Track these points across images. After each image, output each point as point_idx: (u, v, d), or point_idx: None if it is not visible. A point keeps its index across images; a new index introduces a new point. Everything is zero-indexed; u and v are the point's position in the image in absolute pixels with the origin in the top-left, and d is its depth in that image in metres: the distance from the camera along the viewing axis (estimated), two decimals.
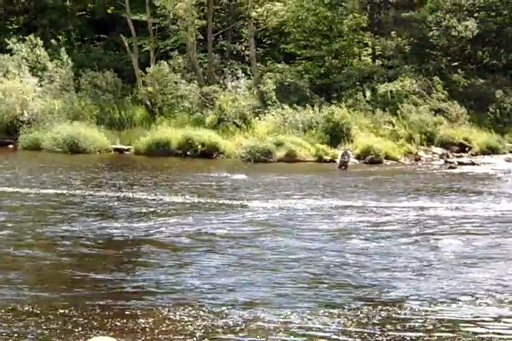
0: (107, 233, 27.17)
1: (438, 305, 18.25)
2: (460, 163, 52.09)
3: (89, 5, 72.45)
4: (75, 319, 16.80)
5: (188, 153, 52.39)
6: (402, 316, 17.55)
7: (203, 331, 16.05)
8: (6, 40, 60.84)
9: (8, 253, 23.61)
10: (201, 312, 17.25)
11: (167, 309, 17.60)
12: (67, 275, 22.06)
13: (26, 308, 17.68)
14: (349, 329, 16.44)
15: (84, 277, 21.67)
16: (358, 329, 16.35)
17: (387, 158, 52.77)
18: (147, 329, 16.03)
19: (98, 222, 28.66)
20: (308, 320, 17.45)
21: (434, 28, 64.27)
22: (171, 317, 16.74)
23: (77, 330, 16.09)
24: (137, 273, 22.07)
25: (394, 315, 17.66)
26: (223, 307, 17.31)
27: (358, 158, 51.85)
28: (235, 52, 65.82)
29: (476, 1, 65.40)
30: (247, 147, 52.07)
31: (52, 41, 62.98)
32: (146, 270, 22.44)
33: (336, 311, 17.65)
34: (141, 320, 16.71)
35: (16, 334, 15.25)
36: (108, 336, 14.28)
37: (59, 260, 23.52)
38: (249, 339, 15.49)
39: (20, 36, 62.46)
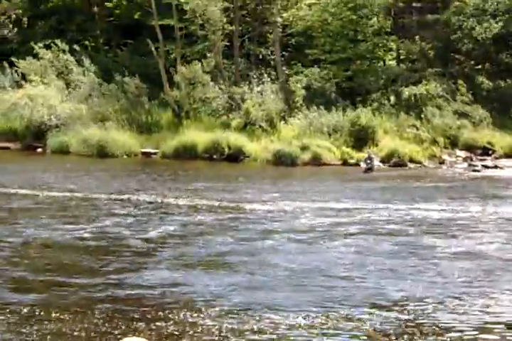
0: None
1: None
2: (484, 166, 51.00)
3: (116, 10, 69.77)
4: (108, 320, 17.21)
5: (215, 156, 51.41)
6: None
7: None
8: (33, 44, 59.65)
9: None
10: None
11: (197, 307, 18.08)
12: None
13: (73, 309, 18.14)
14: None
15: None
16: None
17: (411, 161, 51.89)
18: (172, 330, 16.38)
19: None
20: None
21: (458, 31, 63.22)
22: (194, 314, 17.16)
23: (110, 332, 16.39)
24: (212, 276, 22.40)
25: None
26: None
27: (382, 161, 51.23)
28: (260, 57, 64.24)
29: (498, 5, 64.26)
30: (273, 151, 51.01)
31: (77, 47, 62.14)
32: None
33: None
34: (164, 321, 17.06)
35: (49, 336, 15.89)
36: (136, 336, 14.37)
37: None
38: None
39: (48, 41, 61.10)
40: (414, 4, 66.49)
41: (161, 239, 26.81)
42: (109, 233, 26.76)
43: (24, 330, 16.67)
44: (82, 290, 19.68)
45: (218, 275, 21.65)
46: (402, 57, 66.54)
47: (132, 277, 21.04)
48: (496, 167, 50.63)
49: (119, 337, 15.14)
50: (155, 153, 52.79)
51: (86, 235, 27.07)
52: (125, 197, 35.37)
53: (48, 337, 16.89)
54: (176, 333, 16.43)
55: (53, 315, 17.72)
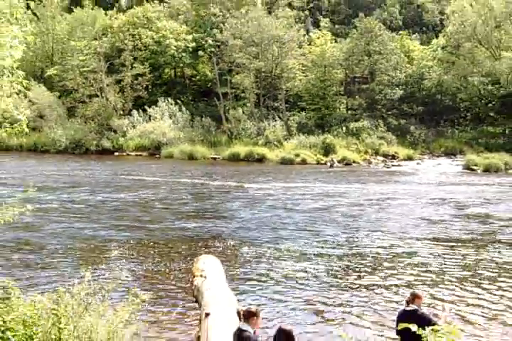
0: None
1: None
2: (392, 165, 57.61)
3: (199, 82, 75.50)
4: (186, 246, 21.87)
5: (250, 159, 57.54)
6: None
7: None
8: (158, 99, 66.67)
9: None
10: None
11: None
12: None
13: (152, 242, 22.71)
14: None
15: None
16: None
17: (354, 162, 58.86)
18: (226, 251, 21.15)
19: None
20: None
21: (379, 94, 69.85)
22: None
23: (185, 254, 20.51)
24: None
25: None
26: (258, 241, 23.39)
27: (339, 161, 57.51)
28: (274, 106, 69.88)
29: (401, 80, 70.83)
30: (280, 157, 58.04)
31: (178, 101, 66.76)
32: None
33: None
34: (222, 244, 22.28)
35: (140, 260, 19.01)
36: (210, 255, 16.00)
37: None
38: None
39: (163, 98, 67.25)
40: (356, 78, 72.67)
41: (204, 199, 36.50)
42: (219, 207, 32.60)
43: (129, 253, 20.13)
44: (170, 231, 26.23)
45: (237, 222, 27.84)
46: (349, 107, 72.53)
47: (210, 225, 26.30)
48: (398, 165, 57.45)
49: (193, 256, 17.51)
50: (218, 158, 59.80)
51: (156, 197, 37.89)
52: (209, 182, 42.34)
53: (143, 257, 19.79)
54: (220, 250, 20.58)
55: (151, 245, 21.73)
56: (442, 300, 14.44)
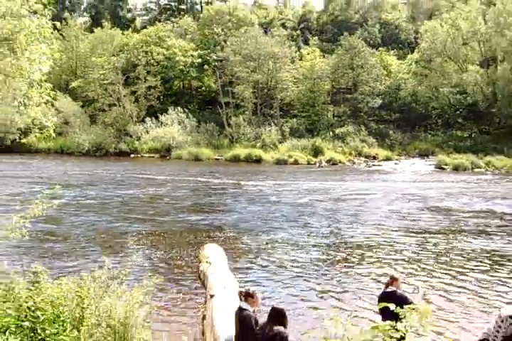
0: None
1: None
2: (373, 165, 57.75)
3: (204, 92, 75.58)
4: (192, 236, 22.47)
5: (249, 160, 57.67)
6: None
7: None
8: (168, 108, 66.99)
9: None
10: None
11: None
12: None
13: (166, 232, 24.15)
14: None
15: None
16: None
17: (340, 162, 59.03)
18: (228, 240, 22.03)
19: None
20: None
21: (361, 102, 70.22)
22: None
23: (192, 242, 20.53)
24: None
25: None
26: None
27: (326, 162, 57.54)
28: (270, 114, 69.85)
29: (380, 90, 71.07)
30: (276, 158, 58.36)
31: (186, 109, 67.01)
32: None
33: None
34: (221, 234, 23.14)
35: (152, 248, 19.78)
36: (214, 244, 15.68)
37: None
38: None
39: (172, 107, 67.52)
40: (341, 89, 72.46)
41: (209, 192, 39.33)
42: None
43: (142, 242, 21.00)
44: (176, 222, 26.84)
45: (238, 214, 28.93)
46: (335, 114, 72.42)
47: (214, 217, 27.15)
48: (378, 165, 57.65)
49: (199, 245, 17.46)
50: (220, 159, 59.73)
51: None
52: (212, 180, 42.81)
53: (154, 246, 20.38)
54: (222, 240, 21.10)
55: (160, 235, 22.68)
56: (417, 282, 14.08)
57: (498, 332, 5.10)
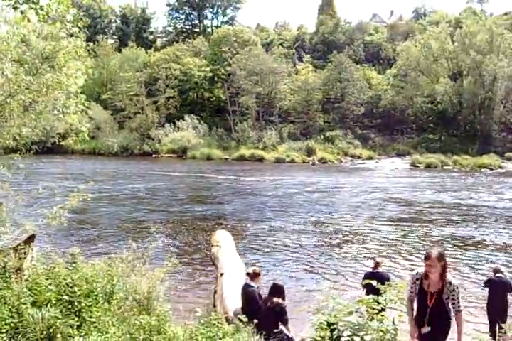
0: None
1: None
2: (358, 163, 58.14)
3: (214, 102, 75.25)
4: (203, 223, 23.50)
5: (252, 159, 57.66)
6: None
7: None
8: (184, 115, 66.25)
9: None
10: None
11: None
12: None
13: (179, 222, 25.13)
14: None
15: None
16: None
17: (329, 161, 59.23)
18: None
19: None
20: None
21: (348, 110, 70.10)
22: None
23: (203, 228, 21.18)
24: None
25: None
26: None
27: (319, 160, 58.16)
28: (270, 120, 70.08)
29: (364, 100, 71.06)
30: (275, 157, 58.58)
31: (198, 116, 66.21)
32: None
33: None
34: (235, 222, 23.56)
35: (170, 234, 20.08)
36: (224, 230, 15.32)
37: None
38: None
39: (188, 114, 66.90)
40: (330, 99, 71.28)
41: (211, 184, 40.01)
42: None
43: (160, 229, 20.69)
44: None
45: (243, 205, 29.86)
46: (325, 120, 72.59)
47: (221, 208, 27.50)
48: (362, 163, 57.83)
49: (209, 231, 17.99)
50: (228, 158, 59.74)
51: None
52: (220, 176, 42.40)
53: (171, 232, 20.53)
54: (229, 227, 20.86)
55: (176, 223, 23.11)
56: (398, 264, 14.90)
57: (412, 288, 5.89)
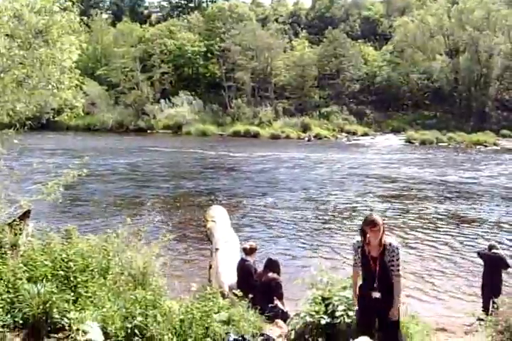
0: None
1: None
2: (353, 139, 57.70)
3: (209, 77, 74.56)
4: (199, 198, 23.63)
5: (247, 135, 57.49)
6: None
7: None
8: (179, 91, 66.77)
9: None
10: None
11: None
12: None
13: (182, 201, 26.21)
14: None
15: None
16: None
17: (325, 137, 59.23)
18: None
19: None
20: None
21: (343, 86, 70.14)
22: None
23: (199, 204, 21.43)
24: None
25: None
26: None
27: (314, 137, 57.92)
28: (265, 96, 69.45)
29: (359, 76, 71.19)
30: (270, 133, 58.80)
31: (193, 92, 67.09)
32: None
33: None
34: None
35: (165, 209, 20.36)
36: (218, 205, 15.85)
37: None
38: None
39: (183, 90, 67.28)
40: (326, 75, 71.15)
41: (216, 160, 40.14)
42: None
43: (154, 205, 21.00)
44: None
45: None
46: (321, 96, 71.62)
47: (226, 184, 27.67)
48: (357, 139, 57.48)
49: (204, 206, 17.99)
50: (223, 134, 59.38)
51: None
52: (214, 152, 42.42)
53: (165, 207, 20.73)
54: (222, 202, 20.44)
55: (170, 198, 24.17)
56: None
57: (355, 255, 5.94)
